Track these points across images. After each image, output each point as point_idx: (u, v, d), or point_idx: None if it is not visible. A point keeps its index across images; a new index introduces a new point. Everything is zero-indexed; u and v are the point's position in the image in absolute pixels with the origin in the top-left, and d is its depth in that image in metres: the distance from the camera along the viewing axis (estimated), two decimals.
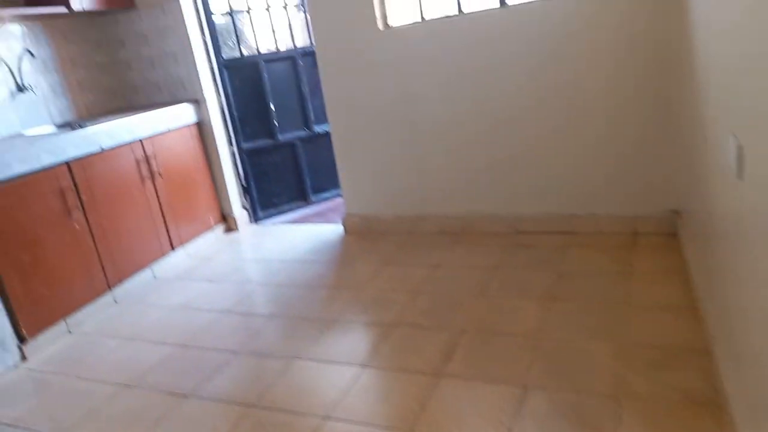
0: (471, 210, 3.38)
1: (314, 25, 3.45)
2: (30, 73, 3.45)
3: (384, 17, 3.32)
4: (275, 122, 4.30)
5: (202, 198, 3.99)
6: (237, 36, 4.06)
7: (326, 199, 4.62)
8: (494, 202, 3.31)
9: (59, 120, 3.63)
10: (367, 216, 3.70)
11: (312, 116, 4.46)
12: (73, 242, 2.98)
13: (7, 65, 3.32)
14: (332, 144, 3.69)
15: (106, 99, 4.00)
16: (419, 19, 3.26)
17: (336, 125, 3.61)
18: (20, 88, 3.38)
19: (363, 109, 3.47)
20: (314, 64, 4.40)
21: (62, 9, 3.32)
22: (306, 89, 4.38)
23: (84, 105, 3.82)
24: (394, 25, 3.33)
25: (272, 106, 4.27)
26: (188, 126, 3.86)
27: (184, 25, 3.75)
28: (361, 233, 3.72)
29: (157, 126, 3.57)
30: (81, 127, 3.14)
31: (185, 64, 3.87)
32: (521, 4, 2.94)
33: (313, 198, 4.57)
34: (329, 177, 4.58)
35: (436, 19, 3.19)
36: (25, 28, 3.44)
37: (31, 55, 3.32)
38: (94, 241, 3.10)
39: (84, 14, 3.75)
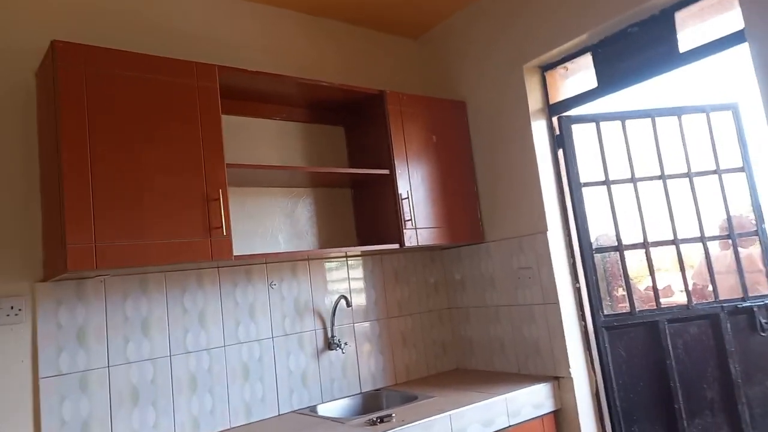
0: None
1: None
2: (343, 325, 2.64)
3: None
4: (683, 418, 2.52)
5: None
6: (627, 283, 2.63)
7: None
8: None
9: (369, 385, 2.65)
10: None
11: (747, 415, 2.53)
12: None
13: (321, 316, 2.58)
14: None
15: (433, 358, 2.94)
16: None
17: None
18: (329, 345, 2.56)
19: None
20: (751, 326, 2.63)
21: (394, 246, 2.50)
22: (737, 369, 2.55)
23: (403, 365, 2.81)
24: None
25: (679, 393, 2.54)
26: (540, 418, 2.43)
27: (550, 266, 2.54)
28: None
29: (494, 419, 2.24)
30: (381, 421, 2.02)
31: (545, 323, 2.57)
32: None
33: None
34: None
35: None
36: (352, 266, 2.73)
37: (347, 303, 2.51)
38: None
39: (420, 250, 2.94)
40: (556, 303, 2.52)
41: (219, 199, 1.98)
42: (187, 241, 1.89)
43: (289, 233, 2.57)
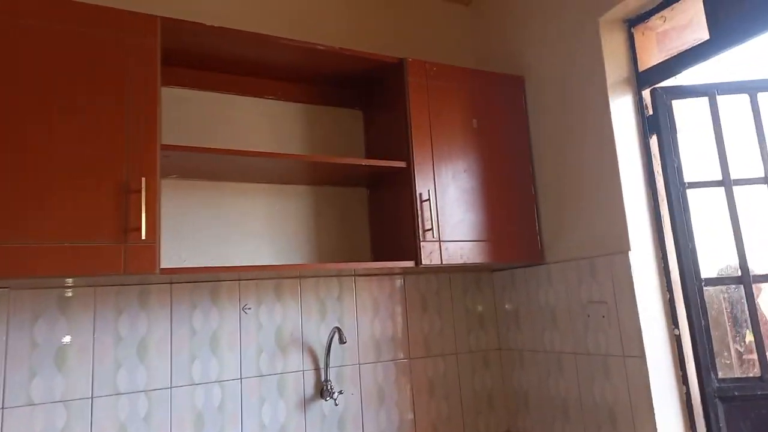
0: None
1: None
2: (345, 365, 2.01)
3: None
4: None
5: None
6: (757, 331, 1.75)
7: None
8: None
9: None
10: None
11: None
12: None
13: (313, 352, 1.97)
14: None
15: (474, 414, 2.22)
16: None
17: None
18: (321, 392, 1.94)
19: None
20: None
21: (408, 263, 1.84)
22: None
23: (429, 423, 2.12)
24: None
25: None
26: None
27: (633, 301, 1.75)
28: None
29: None
30: None
31: (624, 384, 1.78)
32: None
33: None
34: None
35: None
36: (362, 288, 2.11)
37: (340, 339, 1.87)
38: None
39: (456, 270, 2.25)
40: (642, 356, 1.72)
41: (140, 191, 1.44)
42: (90, 246, 1.38)
43: (279, 242, 1.99)
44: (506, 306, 2.32)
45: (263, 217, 1.98)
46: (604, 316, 1.85)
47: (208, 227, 1.88)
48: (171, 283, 1.78)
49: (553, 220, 2.10)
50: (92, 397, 1.62)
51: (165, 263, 1.77)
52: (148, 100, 1.51)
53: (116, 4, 1.67)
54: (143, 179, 1.45)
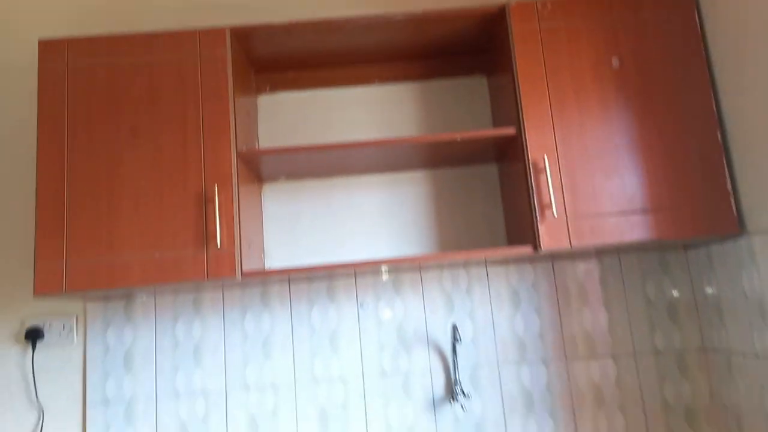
0: None
1: None
2: (480, 368, 1.77)
3: None
4: None
5: None
6: None
7: None
8: None
9: None
10: None
11: None
12: None
13: (440, 351, 1.78)
14: None
15: None
16: None
17: None
18: (453, 394, 1.74)
19: None
20: None
21: (524, 250, 1.51)
22: None
23: None
24: None
25: None
26: None
27: None
28: None
29: None
30: None
31: None
32: None
33: None
34: None
35: None
36: (495, 276, 1.83)
37: (454, 337, 1.63)
38: None
39: (627, 250, 1.76)
40: None
41: (214, 199, 1.49)
42: (174, 255, 1.48)
43: (396, 234, 1.86)
44: (707, 295, 1.74)
45: (375, 210, 1.87)
46: None
47: (321, 225, 1.86)
48: (289, 281, 1.81)
49: (754, 174, 1.47)
50: (226, 390, 1.76)
51: (280, 263, 1.82)
52: (221, 110, 1.55)
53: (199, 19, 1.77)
54: (216, 187, 1.49)
